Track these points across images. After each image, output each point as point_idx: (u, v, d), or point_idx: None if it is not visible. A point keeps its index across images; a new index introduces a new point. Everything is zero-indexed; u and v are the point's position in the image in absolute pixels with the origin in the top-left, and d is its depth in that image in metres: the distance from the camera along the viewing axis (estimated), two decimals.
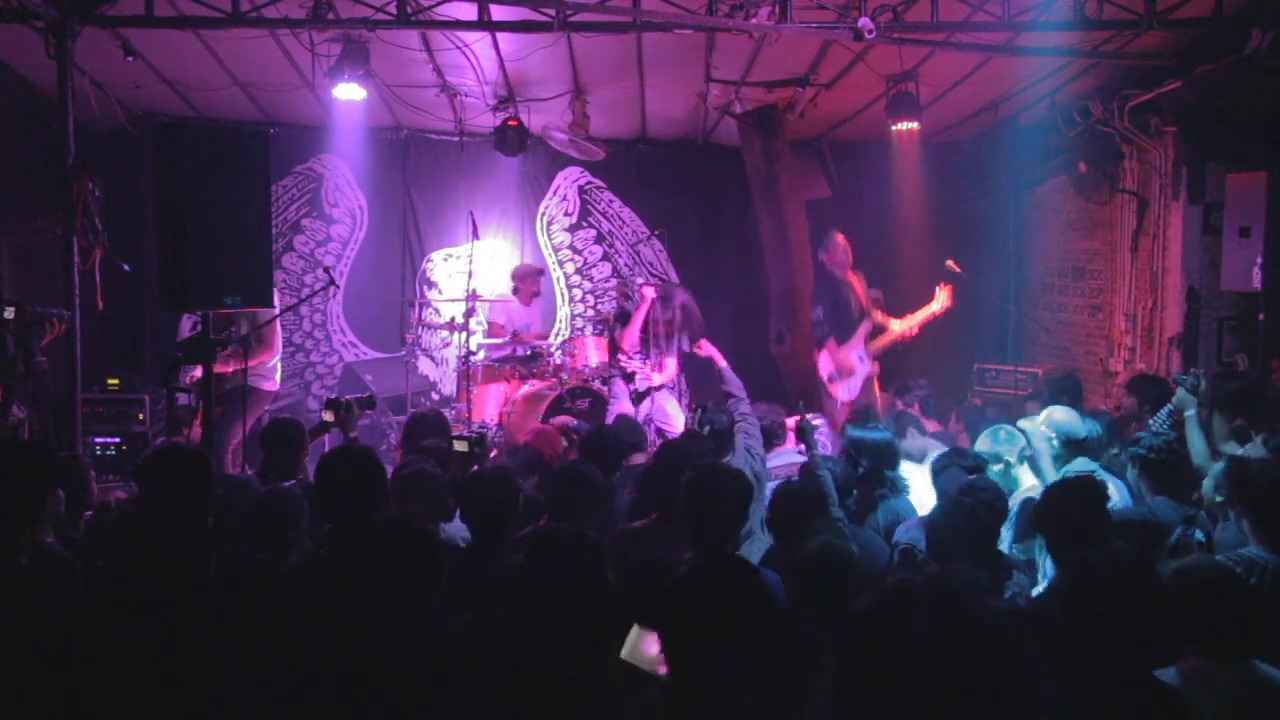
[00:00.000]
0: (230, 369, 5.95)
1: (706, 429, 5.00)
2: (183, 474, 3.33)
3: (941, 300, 7.30)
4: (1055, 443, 4.80)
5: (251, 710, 2.59)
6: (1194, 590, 2.77)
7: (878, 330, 7.46)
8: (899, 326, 7.41)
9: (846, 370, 7.28)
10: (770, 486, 4.91)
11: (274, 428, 4.95)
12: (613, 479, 4.63)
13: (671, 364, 7.76)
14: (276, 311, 6.26)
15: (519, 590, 2.83)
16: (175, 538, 3.16)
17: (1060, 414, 4.91)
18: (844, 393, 7.28)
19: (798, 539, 3.42)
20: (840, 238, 7.54)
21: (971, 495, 3.70)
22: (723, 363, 5.60)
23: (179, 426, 6.68)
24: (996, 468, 4.59)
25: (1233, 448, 4.79)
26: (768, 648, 2.43)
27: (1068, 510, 3.52)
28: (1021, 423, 5.09)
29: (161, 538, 3.16)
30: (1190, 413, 4.88)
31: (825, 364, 7.40)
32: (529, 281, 8.65)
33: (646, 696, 2.54)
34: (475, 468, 4.85)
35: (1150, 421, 5.27)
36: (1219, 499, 3.98)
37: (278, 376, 6.72)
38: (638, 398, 7.65)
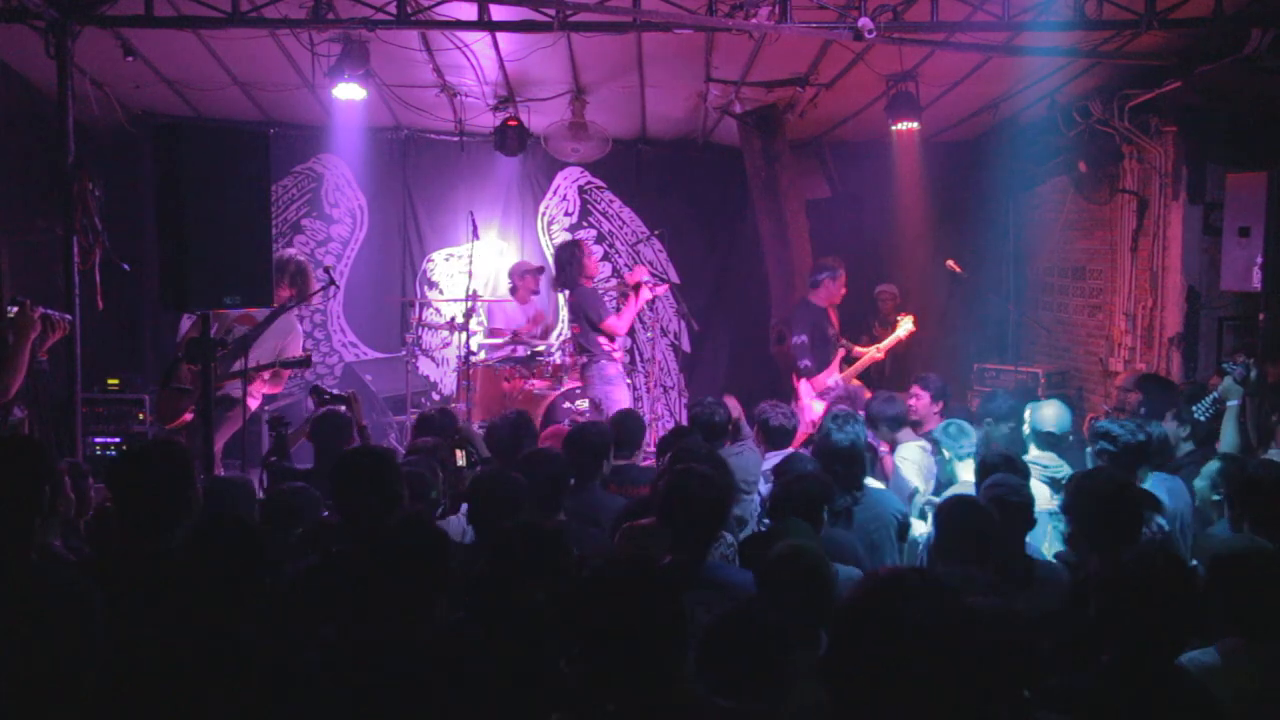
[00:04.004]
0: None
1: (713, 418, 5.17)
2: (157, 468, 3.28)
3: (906, 326, 7.62)
4: (1026, 430, 5.13)
5: (252, 710, 2.58)
6: (1233, 572, 2.80)
7: (851, 359, 7.70)
8: (869, 353, 7.72)
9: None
10: None
11: (325, 420, 5.24)
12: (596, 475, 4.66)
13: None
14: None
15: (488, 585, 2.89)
16: (159, 534, 3.12)
17: (1046, 408, 5.09)
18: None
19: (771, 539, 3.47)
20: (833, 283, 7.61)
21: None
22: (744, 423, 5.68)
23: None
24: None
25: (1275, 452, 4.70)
26: None
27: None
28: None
29: (148, 535, 3.13)
30: (1233, 403, 4.79)
31: (806, 390, 7.55)
32: (528, 279, 8.64)
33: None
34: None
35: (1194, 409, 5.29)
36: (1215, 498, 3.99)
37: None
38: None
